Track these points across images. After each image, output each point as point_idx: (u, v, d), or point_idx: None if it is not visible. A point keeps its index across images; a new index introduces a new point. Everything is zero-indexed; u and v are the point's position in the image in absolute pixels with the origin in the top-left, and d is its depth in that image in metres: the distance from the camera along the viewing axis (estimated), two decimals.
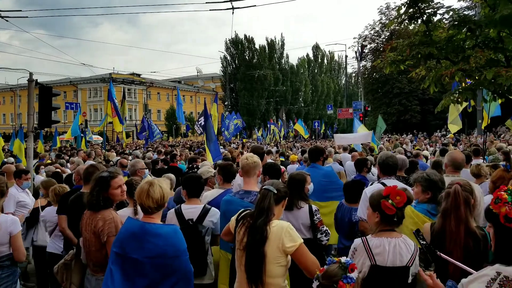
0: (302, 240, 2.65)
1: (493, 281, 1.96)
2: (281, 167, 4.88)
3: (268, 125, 38.54)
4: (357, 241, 2.67)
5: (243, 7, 15.80)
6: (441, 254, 2.53)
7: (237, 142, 29.29)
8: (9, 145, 18.14)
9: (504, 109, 11.81)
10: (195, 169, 6.05)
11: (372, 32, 42.54)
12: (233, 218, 2.89)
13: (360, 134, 12.97)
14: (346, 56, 68.03)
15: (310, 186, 4.00)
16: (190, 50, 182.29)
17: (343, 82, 69.02)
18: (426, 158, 10.66)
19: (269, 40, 59.29)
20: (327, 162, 8.51)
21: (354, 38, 53.16)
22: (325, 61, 71.97)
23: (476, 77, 5.09)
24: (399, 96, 39.70)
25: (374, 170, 6.54)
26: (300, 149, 17.22)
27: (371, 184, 4.49)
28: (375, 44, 42.27)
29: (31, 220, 5.40)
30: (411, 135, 33.12)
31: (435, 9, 5.57)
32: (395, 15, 6.09)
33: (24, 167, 7.58)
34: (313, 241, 3.69)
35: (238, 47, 58.13)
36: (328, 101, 64.42)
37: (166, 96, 67.18)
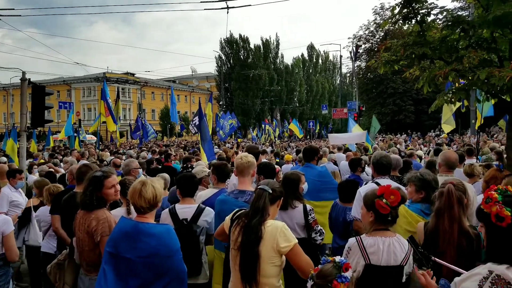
0: (296, 241, 2.65)
1: (485, 280, 1.98)
2: (276, 166, 4.87)
3: (263, 125, 38.56)
4: (351, 241, 2.68)
5: (237, 7, 15.71)
6: (436, 259, 2.54)
7: (232, 142, 29.26)
8: (1, 144, 17.98)
9: (497, 109, 11.88)
10: (190, 169, 6.04)
11: (366, 32, 42.79)
12: (228, 218, 2.89)
13: (355, 134, 13.02)
14: (340, 56, 68.24)
15: (304, 186, 4.01)
16: (184, 50, 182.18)
17: (338, 82, 69.27)
18: (420, 158, 10.72)
19: (264, 40, 59.42)
20: (321, 162, 8.53)
21: (349, 38, 53.50)
22: (320, 61, 72.19)
23: (470, 77, 5.11)
24: (393, 96, 39.91)
25: (368, 170, 6.57)
26: (294, 149, 17.23)
27: (365, 184, 4.50)
28: (370, 44, 42.43)
29: (23, 220, 5.35)
30: (405, 135, 33.32)
31: (429, 10, 5.59)
32: (389, 15, 6.11)
33: (17, 167, 7.52)
34: (307, 241, 3.70)
35: (233, 46, 58.06)
36: (322, 101, 64.60)
37: (161, 95, 66.91)
